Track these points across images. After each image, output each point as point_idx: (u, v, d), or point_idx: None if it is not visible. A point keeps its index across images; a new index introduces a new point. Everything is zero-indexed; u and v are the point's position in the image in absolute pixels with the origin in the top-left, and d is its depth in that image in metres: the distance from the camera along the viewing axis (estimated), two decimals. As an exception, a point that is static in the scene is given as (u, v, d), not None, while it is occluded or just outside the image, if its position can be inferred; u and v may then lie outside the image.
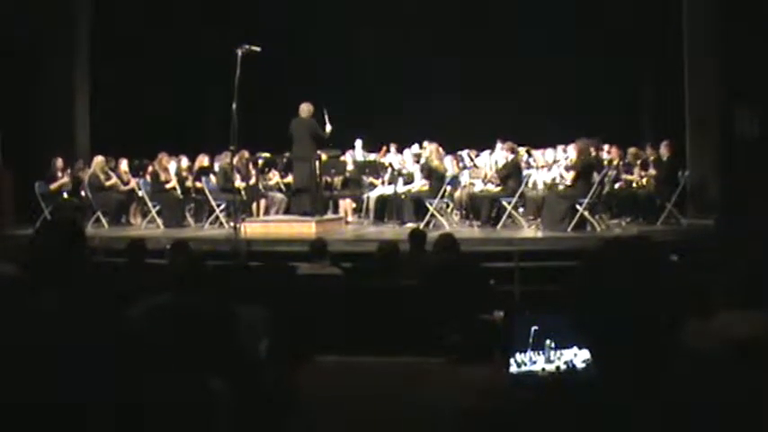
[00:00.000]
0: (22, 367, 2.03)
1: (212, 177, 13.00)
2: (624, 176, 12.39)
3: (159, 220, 12.51)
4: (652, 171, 12.04)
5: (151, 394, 2.06)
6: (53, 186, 12.62)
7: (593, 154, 11.24)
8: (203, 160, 13.38)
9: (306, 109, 11.46)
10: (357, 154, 13.98)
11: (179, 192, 12.82)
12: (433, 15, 14.99)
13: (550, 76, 13.94)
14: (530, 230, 11.30)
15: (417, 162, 12.92)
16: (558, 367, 2.85)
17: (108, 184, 12.83)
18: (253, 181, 12.74)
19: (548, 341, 2.85)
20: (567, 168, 11.17)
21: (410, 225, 11.09)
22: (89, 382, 1.99)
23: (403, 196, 12.27)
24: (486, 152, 12.96)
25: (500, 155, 12.20)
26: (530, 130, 12.81)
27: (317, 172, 11.70)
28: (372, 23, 14.96)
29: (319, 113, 11.59)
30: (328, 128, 11.61)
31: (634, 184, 12.31)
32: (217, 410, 2.18)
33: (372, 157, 13.94)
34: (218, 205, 12.48)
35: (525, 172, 12.11)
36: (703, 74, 12.05)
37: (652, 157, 12.13)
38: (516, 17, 14.45)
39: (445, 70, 14.69)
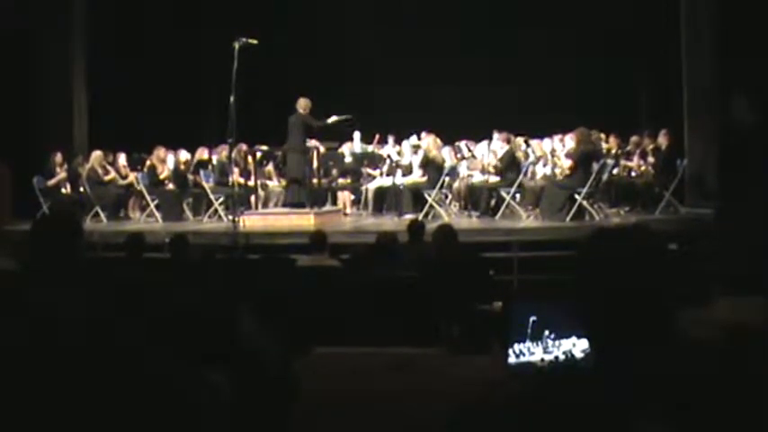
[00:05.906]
0: (22, 365, 2.03)
1: (211, 170, 12.98)
2: (623, 163, 12.39)
3: (158, 214, 12.49)
4: (650, 160, 12.04)
5: (152, 388, 2.07)
6: (51, 182, 12.60)
7: (593, 143, 11.24)
8: (203, 153, 13.35)
9: (302, 104, 11.49)
10: (355, 146, 13.95)
11: (172, 184, 12.77)
12: (432, 13, 14.95)
13: (550, 73, 13.92)
14: (528, 220, 11.30)
15: (415, 153, 12.91)
16: (556, 357, 2.85)
17: (106, 178, 12.79)
18: (251, 174, 12.72)
19: (546, 331, 2.85)
20: (567, 156, 11.16)
21: (409, 216, 11.07)
22: (88, 379, 1.99)
23: (401, 187, 12.27)
24: (484, 143, 12.95)
25: (497, 145, 12.20)
26: (528, 120, 12.79)
27: (311, 165, 11.71)
28: (373, 16, 14.95)
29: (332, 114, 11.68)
30: (331, 119, 11.63)
31: (633, 173, 12.31)
32: (217, 404, 2.19)
33: (370, 148, 13.93)
34: (217, 198, 12.48)
35: (523, 162, 12.10)
36: (701, 61, 12.02)
37: (650, 146, 12.13)
38: (516, 17, 14.42)
39: (444, 66, 14.66)
